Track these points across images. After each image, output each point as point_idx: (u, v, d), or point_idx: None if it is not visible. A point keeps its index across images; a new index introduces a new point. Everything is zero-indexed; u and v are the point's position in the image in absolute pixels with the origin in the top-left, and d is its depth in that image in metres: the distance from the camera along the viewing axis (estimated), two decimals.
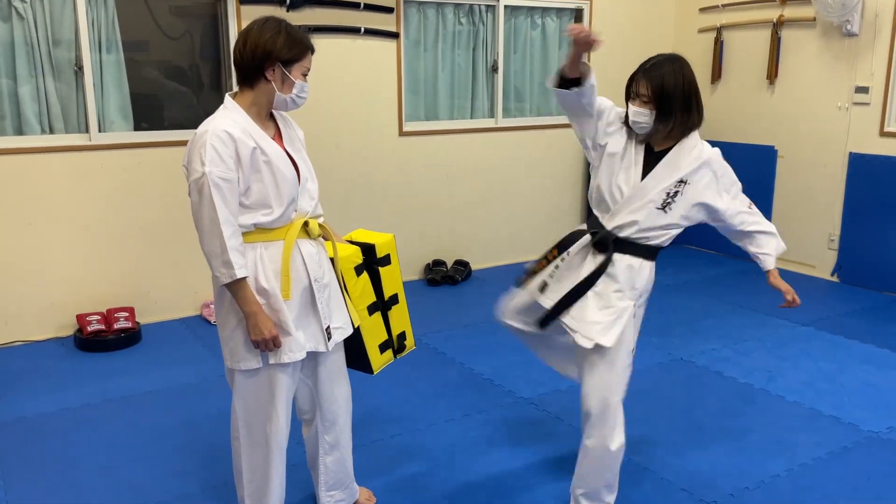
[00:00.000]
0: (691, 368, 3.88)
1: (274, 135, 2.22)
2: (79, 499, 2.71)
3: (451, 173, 5.46)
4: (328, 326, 2.28)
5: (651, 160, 2.40)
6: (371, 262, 2.47)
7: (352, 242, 2.49)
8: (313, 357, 2.34)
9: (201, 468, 2.91)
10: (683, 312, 4.71)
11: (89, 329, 4.11)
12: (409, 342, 2.67)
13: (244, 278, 2.08)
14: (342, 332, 2.36)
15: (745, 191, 2.50)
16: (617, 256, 2.39)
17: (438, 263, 5.46)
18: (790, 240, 5.77)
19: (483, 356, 4.01)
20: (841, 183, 5.30)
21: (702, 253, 6.09)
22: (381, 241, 2.48)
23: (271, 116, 2.26)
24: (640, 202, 2.37)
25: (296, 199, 2.19)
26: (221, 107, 2.16)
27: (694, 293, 5.11)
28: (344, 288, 2.37)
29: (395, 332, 2.60)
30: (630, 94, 2.38)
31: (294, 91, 2.17)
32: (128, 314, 4.24)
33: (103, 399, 3.50)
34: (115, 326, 4.16)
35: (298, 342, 2.21)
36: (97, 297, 4.32)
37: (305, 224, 2.22)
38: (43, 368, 3.85)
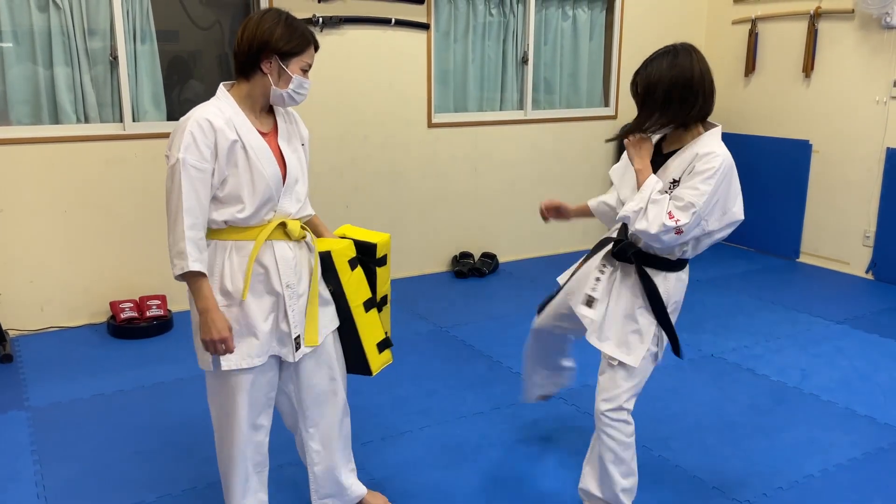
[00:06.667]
0: (722, 365, 3.84)
1: (270, 130, 2.13)
2: (112, 484, 2.75)
3: (480, 165, 5.45)
4: (298, 336, 2.16)
5: (660, 164, 2.27)
6: (369, 261, 2.37)
7: (346, 239, 2.38)
8: (290, 364, 2.23)
9: None
10: (714, 308, 4.66)
11: (122, 316, 4.17)
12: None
13: (200, 273, 1.98)
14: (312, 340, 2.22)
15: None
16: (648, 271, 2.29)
17: (465, 255, 5.46)
18: (824, 236, 5.78)
19: (511, 349, 3.99)
20: (877, 179, 5.20)
21: (732, 248, 6.02)
22: (381, 241, 2.38)
23: (271, 111, 2.16)
24: None
25: (274, 199, 2.07)
26: (214, 96, 2.08)
27: (724, 289, 5.05)
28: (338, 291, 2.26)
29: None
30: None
31: (291, 86, 2.06)
32: (160, 302, 4.29)
33: (136, 385, 3.55)
34: (148, 314, 4.21)
35: (250, 349, 2.09)
36: (130, 284, 4.37)
37: (284, 225, 2.11)
38: (77, 354, 3.91)
